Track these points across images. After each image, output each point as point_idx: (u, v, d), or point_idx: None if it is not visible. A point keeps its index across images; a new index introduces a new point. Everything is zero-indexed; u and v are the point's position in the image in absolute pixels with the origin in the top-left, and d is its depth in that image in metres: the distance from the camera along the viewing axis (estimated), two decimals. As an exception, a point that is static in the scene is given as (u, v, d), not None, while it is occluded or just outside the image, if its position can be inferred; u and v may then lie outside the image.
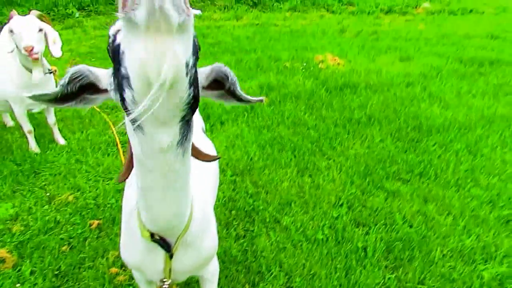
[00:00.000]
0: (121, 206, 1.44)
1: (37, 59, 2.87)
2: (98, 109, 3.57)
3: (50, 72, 3.24)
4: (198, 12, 10.04)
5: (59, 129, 3.69)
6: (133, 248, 1.34)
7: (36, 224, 2.58)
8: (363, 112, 4.16)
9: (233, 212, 2.66)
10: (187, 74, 0.75)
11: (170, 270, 1.35)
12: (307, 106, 4.36)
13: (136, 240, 1.30)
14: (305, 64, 5.92)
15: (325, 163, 3.25)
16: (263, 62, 6.06)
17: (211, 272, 1.58)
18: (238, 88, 1.00)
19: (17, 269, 2.23)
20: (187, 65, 0.74)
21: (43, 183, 3.04)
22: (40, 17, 2.96)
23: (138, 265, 1.38)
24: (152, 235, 1.20)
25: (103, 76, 0.92)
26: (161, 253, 1.28)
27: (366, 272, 2.12)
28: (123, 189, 2.63)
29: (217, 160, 1.90)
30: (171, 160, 0.95)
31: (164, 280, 1.39)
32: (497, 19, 9.88)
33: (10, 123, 4.09)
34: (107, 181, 3.07)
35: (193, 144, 1.15)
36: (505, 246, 2.28)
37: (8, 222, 2.62)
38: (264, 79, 5.25)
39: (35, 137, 3.50)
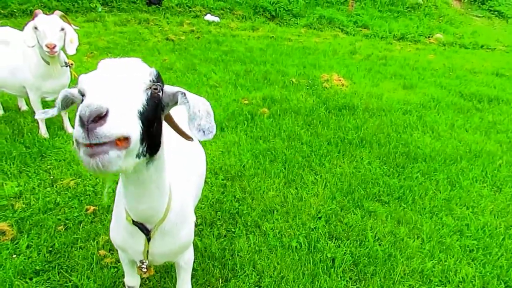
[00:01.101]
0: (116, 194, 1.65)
1: (54, 56, 3.15)
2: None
3: (67, 65, 3.51)
4: (216, 19, 10.36)
5: (68, 118, 3.95)
6: (119, 229, 1.57)
7: (37, 203, 2.81)
8: (357, 133, 4.36)
9: (219, 213, 2.87)
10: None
11: (147, 252, 1.56)
12: (305, 122, 4.57)
13: (122, 223, 1.52)
14: (310, 81, 6.15)
15: (312, 178, 3.44)
16: (271, 75, 6.29)
17: (186, 261, 1.78)
18: (192, 116, 1.15)
19: (15, 242, 2.46)
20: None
21: (48, 167, 3.28)
22: (62, 17, 3.23)
23: (122, 244, 1.59)
24: (133, 220, 1.43)
25: (76, 93, 1.26)
26: (142, 236, 1.50)
27: (330, 281, 2.30)
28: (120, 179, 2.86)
29: (205, 165, 2.11)
30: (139, 173, 1.22)
31: (143, 261, 1.61)
32: (507, 57, 10.04)
33: (24, 107, 4.36)
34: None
35: (177, 125, 1.41)
36: (464, 272, 2.45)
37: (12, 199, 2.85)
38: (268, 91, 5.47)
39: (45, 123, 3.76)
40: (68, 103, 1.34)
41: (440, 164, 3.80)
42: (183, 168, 1.70)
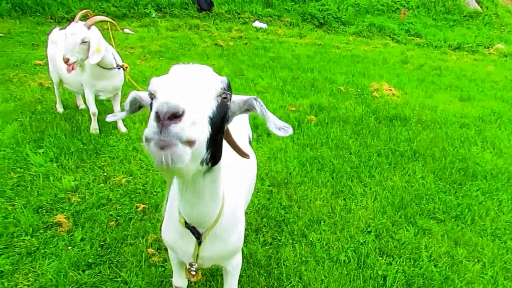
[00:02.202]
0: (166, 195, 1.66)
1: (71, 69, 3.29)
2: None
3: (119, 68, 3.63)
4: (264, 26, 10.43)
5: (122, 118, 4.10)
6: (172, 230, 1.57)
7: (91, 198, 2.93)
8: (409, 146, 4.16)
9: (265, 219, 2.83)
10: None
11: (197, 255, 1.55)
12: (353, 132, 4.43)
13: (175, 224, 1.52)
14: (359, 90, 5.98)
15: (361, 190, 3.31)
16: (318, 82, 6.20)
17: (234, 266, 1.75)
18: (267, 119, 1.20)
19: (70, 234, 2.56)
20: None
21: (102, 164, 3.41)
22: (89, 25, 3.29)
23: (174, 245, 1.59)
24: (186, 222, 1.42)
25: (145, 96, 1.30)
26: (193, 239, 1.49)
27: (381, 300, 2.18)
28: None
29: (256, 170, 2.09)
30: (195, 182, 1.22)
31: (192, 263, 1.60)
32: None
33: (82, 106, 4.60)
34: (157, 171, 3.37)
35: (234, 141, 1.40)
36: (532, 304, 2.22)
37: (69, 192, 2.99)
38: (316, 99, 5.39)
39: (99, 121, 3.93)
40: (137, 107, 1.36)
41: (503, 183, 3.52)
42: (236, 172, 1.67)
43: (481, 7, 12.89)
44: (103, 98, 3.93)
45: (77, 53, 3.26)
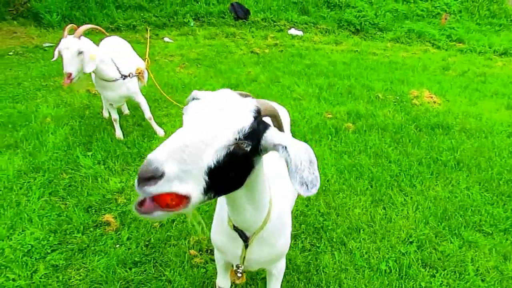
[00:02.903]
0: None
1: (70, 83, 3.22)
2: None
3: (124, 78, 3.66)
4: (300, 33, 10.46)
5: (156, 122, 4.21)
6: (221, 233, 1.63)
7: (136, 199, 3.05)
8: (452, 155, 4.02)
9: (303, 226, 2.84)
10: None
11: (244, 258, 1.59)
12: (393, 140, 4.35)
13: (223, 227, 1.58)
14: (398, 97, 5.86)
15: (401, 199, 3.24)
16: (355, 89, 6.14)
17: (279, 270, 1.78)
18: (291, 171, 1.05)
19: (118, 233, 2.69)
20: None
21: (146, 167, 3.55)
22: (79, 35, 3.22)
23: (222, 247, 1.65)
24: (234, 226, 1.47)
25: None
26: (240, 242, 1.54)
27: (424, 312, 2.13)
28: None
29: None
30: (230, 196, 1.25)
31: (239, 265, 1.65)
32: None
33: (126, 111, 4.81)
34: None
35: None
36: None
37: (115, 193, 3.14)
38: (353, 106, 5.33)
39: (142, 126, 4.10)
40: None
41: (556, 197, 3.32)
42: (283, 177, 1.71)
43: (529, 10, 12.24)
44: (115, 106, 3.98)
45: (76, 65, 3.19)
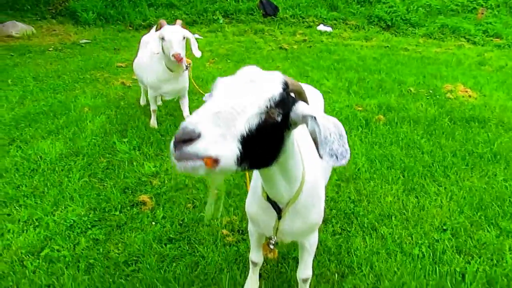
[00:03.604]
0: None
1: (181, 65, 3.43)
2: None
3: (187, 68, 3.75)
4: (329, 29, 10.39)
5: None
6: (255, 204, 1.67)
7: (170, 183, 3.16)
8: (488, 147, 3.90)
9: (334, 211, 2.84)
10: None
11: (277, 229, 1.63)
12: (425, 132, 4.26)
13: (257, 198, 1.62)
14: (431, 91, 5.72)
15: (434, 189, 3.18)
16: (386, 83, 6.04)
17: (311, 243, 1.81)
18: (321, 142, 1.08)
19: (153, 212, 2.79)
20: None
21: (179, 153, 3.66)
22: (182, 26, 3.49)
23: (256, 217, 1.69)
24: (268, 197, 1.51)
25: None
26: (273, 214, 1.58)
27: (459, 296, 2.09)
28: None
29: None
30: (269, 171, 1.27)
31: (272, 237, 1.68)
32: None
33: (159, 102, 4.95)
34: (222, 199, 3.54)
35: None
36: None
37: (150, 176, 3.26)
38: (384, 99, 5.26)
39: (175, 117, 4.21)
40: None
41: None
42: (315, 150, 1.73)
43: None
44: (168, 99, 4.12)
45: (184, 48, 3.40)
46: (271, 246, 1.73)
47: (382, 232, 2.62)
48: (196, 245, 2.45)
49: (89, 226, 2.61)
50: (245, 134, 1.01)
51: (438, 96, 5.50)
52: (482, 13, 11.20)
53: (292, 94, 1.18)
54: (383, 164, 3.53)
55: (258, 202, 1.63)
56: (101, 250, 2.41)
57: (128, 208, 2.82)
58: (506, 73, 7.31)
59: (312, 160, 1.65)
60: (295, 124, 1.18)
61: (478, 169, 3.51)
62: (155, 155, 3.61)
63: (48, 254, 2.36)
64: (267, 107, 1.05)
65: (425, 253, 2.42)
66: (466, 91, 5.80)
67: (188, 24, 10.22)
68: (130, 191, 3.03)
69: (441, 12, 11.41)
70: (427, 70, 7.13)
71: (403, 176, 3.35)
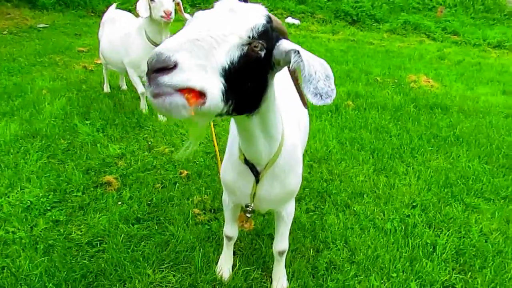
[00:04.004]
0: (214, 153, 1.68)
1: (169, 23, 3.35)
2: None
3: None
4: (297, 22, 10.44)
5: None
6: (231, 169, 1.59)
7: (136, 164, 3.01)
8: (451, 131, 4.04)
9: (307, 190, 2.82)
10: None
11: (254, 195, 1.56)
12: (393, 117, 4.35)
13: (234, 162, 1.54)
14: (396, 81, 5.87)
15: (403, 169, 3.24)
16: (353, 73, 6.13)
17: (288, 212, 1.75)
18: (304, 78, 1.00)
19: (119, 193, 2.64)
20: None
21: (145, 136, 3.51)
22: None
23: (232, 184, 1.61)
24: (245, 159, 1.44)
25: None
26: (251, 178, 1.51)
27: (432, 265, 2.12)
28: (211, 152, 2.98)
29: (308, 114, 2.03)
30: (242, 122, 1.21)
31: (249, 204, 1.61)
32: None
33: (124, 86, 4.74)
34: (198, 144, 3.43)
35: (302, 93, 1.37)
36: None
37: (115, 158, 3.09)
38: (352, 87, 5.33)
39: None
40: None
41: (555, 169, 3.35)
42: (294, 114, 1.68)
43: (522, 6, 12.38)
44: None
45: (173, 10, 3.31)
46: (248, 215, 1.66)
47: (354, 209, 2.63)
48: (166, 224, 2.33)
49: (48, 208, 2.42)
50: (226, 66, 0.91)
51: (403, 85, 5.66)
52: (441, 12, 11.70)
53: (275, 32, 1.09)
54: (353, 146, 3.56)
55: (234, 166, 1.55)
56: (61, 231, 2.24)
57: (92, 189, 2.65)
58: (464, 67, 7.66)
59: (291, 124, 1.60)
60: (278, 64, 1.09)
61: (443, 151, 3.62)
62: (121, 137, 3.43)
63: (1, 236, 2.15)
64: (249, 37, 0.95)
65: (397, 228, 2.45)
66: (429, 81, 6.01)
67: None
68: (94, 172, 2.85)
69: (403, 9, 11.79)
70: (392, 62, 7.33)
71: (373, 157, 3.39)
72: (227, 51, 0.92)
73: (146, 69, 3.07)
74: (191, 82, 0.83)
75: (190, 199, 2.59)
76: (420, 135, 3.93)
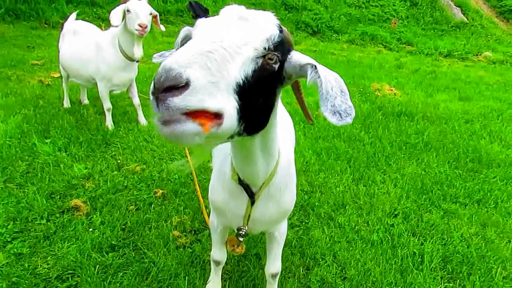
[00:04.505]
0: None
1: (142, 36, 3.22)
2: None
3: (137, 61, 3.56)
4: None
5: (117, 113, 3.95)
6: (222, 190, 1.46)
7: (106, 185, 2.79)
8: (419, 138, 4.15)
9: (289, 204, 2.74)
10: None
11: (249, 217, 1.45)
12: (363, 126, 4.41)
13: (226, 183, 1.43)
14: (361, 89, 6.01)
15: (380, 177, 3.26)
16: (320, 83, 6.20)
17: (281, 233, 1.66)
18: (321, 95, 0.94)
19: (89, 218, 2.42)
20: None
21: (113, 153, 3.28)
22: (148, 3, 3.31)
23: (223, 206, 1.48)
24: (239, 179, 1.33)
25: None
26: (244, 199, 1.40)
27: (423, 275, 2.10)
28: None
29: (292, 126, 1.96)
30: (243, 141, 1.10)
31: (242, 227, 1.49)
32: None
33: (85, 101, 4.46)
34: (171, 160, 3.26)
35: (303, 100, 1.30)
36: None
37: (82, 179, 2.85)
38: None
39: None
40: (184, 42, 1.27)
41: (518, 171, 3.53)
42: (286, 128, 1.60)
43: (467, 18, 13.31)
44: (117, 92, 3.80)
45: (149, 23, 3.23)
46: (241, 238, 1.55)
47: (339, 221, 2.58)
48: (145, 250, 2.15)
49: (9, 239, 2.16)
50: (240, 82, 0.81)
51: (368, 94, 5.80)
52: (395, 23, 12.29)
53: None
54: (329, 156, 3.55)
55: (226, 186, 1.43)
56: (26, 265, 1.99)
57: (57, 215, 2.40)
58: (421, 75, 8.03)
59: (285, 136, 1.52)
60: (289, 78, 1.01)
61: (415, 158, 3.70)
62: (86, 156, 3.18)
63: (-47, 277, 1.88)
64: (264, 48, 0.87)
65: (383, 239, 2.42)
66: (392, 90, 6.21)
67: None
68: (58, 196, 2.60)
69: (360, 21, 12.25)
70: (355, 71, 7.52)
71: (350, 167, 3.39)
72: (241, 65, 0.83)
73: (118, 83, 2.88)
74: (206, 104, 0.74)
75: (168, 221, 2.42)
76: (391, 142, 4.00)
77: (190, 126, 0.73)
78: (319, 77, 0.94)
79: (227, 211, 1.49)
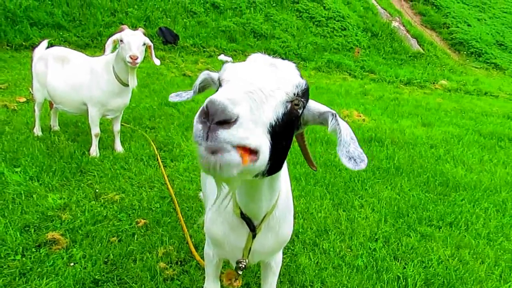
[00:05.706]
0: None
1: (135, 67, 3.21)
2: (140, 130, 3.89)
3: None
4: (229, 59, 10.68)
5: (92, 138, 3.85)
6: (221, 223, 1.46)
7: (84, 215, 2.68)
8: (390, 163, 4.34)
9: (273, 231, 2.74)
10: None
11: (250, 250, 1.45)
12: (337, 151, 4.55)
13: (226, 216, 1.43)
14: (332, 116, 6.23)
15: (358, 202, 3.36)
16: (292, 109, 6.37)
17: (277, 262, 1.67)
18: (339, 142, 1.02)
19: (69, 252, 2.30)
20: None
21: (90, 181, 3.17)
22: (144, 34, 3.32)
23: (222, 239, 1.47)
24: (242, 213, 1.35)
25: (215, 78, 1.22)
26: (245, 232, 1.40)
27: (408, 300, 2.16)
28: (166, 196, 2.79)
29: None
30: (254, 180, 1.11)
31: (241, 260, 1.49)
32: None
33: (56, 127, 4.30)
34: (150, 188, 3.19)
35: (307, 148, 1.35)
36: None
37: (57, 210, 2.72)
38: (294, 123, 5.50)
39: (79, 142, 3.69)
40: (206, 87, 1.31)
41: (482, 194, 3.75)
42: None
43: (423, 49, 14.29)
44: (110, 117, 3.71)
45: (142, 54, 3.21)
46: (240, 272, 1.53)
47: (323, 247, 2.62)
48: (131, 284, 2.07)
49: (-21, 279, 2.01)
50: (273, 123, 0.87)
51: (339, 120, 6.00)
52: (358, 52, 12.95)
53: None
54: (308, 181, 3.62)
55: (226, 220, 1.43)
56: (1, 307, 1.85)
57: (33, 250, 2.27)
58: (385, 101, 8.45)
59: (284, 168, 1.55)
60: (305, 124, 1.09)
61: (388, 182, 3.85)
62: (61, 185, 3.05)
63: None
64: (294, 94, 0.94)
65: (367, 264, 2.48)
66: (360, 116, 6.48)
67: (80, 47, 9.36)
68: (33, 229, 2.46)
69: (326, 49, 12.81)
70: (323, 98, 7.79)
71: (329, 192, 3.47)
72: (274, 107, 0.89)
73: (112, 108, 2.85)
74: (248, 140, 0.78)
75: (153, 252, 2.35)
76: (365, 168, 4.14)
77: (235, 157, 0.77)
78: (338, 124, 1.02)
79: (226, 243, 1.48)
